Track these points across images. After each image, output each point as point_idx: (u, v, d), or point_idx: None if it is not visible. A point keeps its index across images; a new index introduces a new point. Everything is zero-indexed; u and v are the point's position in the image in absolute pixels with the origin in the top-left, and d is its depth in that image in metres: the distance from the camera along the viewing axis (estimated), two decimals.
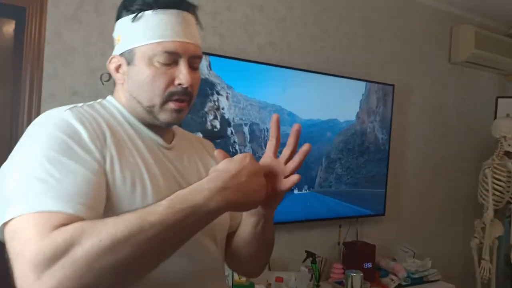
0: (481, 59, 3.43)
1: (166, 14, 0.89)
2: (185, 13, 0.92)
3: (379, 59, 3.06)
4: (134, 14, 0.90)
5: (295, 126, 0.90)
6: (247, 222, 0.98)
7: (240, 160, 0.81)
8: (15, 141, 1.91)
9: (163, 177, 0.90)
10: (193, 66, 0.93)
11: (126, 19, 0.91)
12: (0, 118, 1.92)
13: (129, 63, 0.92)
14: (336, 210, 2.75)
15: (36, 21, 1.86)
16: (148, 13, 0.89)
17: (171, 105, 0.91)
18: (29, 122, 1.84)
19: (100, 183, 0.78)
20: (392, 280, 2.66)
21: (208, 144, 1.14)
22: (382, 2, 3.04)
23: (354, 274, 2.38)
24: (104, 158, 0.82)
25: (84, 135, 0.81)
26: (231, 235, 1.05)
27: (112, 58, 0.95)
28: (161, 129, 0.97)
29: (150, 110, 0.92)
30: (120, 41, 0.93)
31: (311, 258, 2.50)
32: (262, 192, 0.83)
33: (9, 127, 1.93)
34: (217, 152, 0.85)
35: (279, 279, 2.32)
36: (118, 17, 0.94)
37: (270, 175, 0.89)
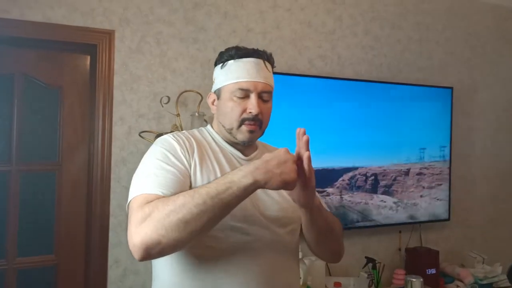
0: None
1: (242, 61, 1.23)
2: (257, 60, 1.24)
3: (436, 62, 3.02)
4: (222, 63, 1.25)
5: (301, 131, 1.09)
6: (302, 212, 1.18)
7: (275, 152, 1.04)
8: (92, 159, 2.19)
9: None
10: (262, 98, 1.24)
11: (218, 67, 1.27)
12: (79, 139, 2.22)
13: (218, 98, 1.27)
14: (396, 216, 2.75)
15: (106, 55, 2.15)
16: (231, 62, 1.24)
17: (244, 127, 1.23)
18: (103, 142, 2.14)
19: (184, 180, 1.12)
20: (457, 286, 2.59)
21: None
22: (437, 4, 3.02)
23: (414, 280, 2.38)
24: (190, 164, 1.17)
25: (178, 148, 1.17)
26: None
27: (210, 94, 1.31)
28: (243, 146, 1.29)
29: (230, 131, 1.25)
30: (214, 82, 1.28)
31: (371, 264, 2.53)
32: (290, 175, 1.01)
33: (87, 147, 2.23)
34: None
35: (337, 284, 2.38)
36: (215, 65, 1.29)
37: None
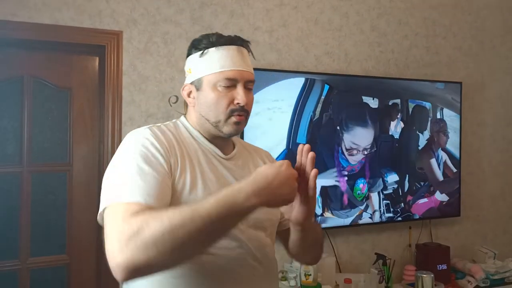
0: None
1: (225, 49, 1.14)
2: (240, 48, 1.17)
3: (444, 57, 3.01)
4: (201, 51, 1.15)
5: (306, 148, 1.05)
6: (293, 230, 1.16)
7: (277, 167, 0.97)
8: (101, 159, 2.21)
9: (217, 183, 1.11)
10: (247, 88, 1.16)
11: (195, 56, 1.16)
12: (90, 140, 2.24)
13: (198, 89, 1.16)
14: (406, 212, 2.75)
15: (114, 56, 2.17)
16: (212, 49, 1.14)
17: (233, 118, 1.14)
18: (113, 143, 2.16)
19: (166, 183, 1.02)
20: (469, 281, 2.58)
21: (264, 152, 1.36)
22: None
23: (425, 276, 2.38)
24: (170, 165, 1.05)
25: (158, 148, 1.05)
26: (287, 232, 1.24)
27: (184, 86, 1.20)
28: (222, 143, 1.20)
29: (216, 125, 1.15)
30: (191, 72, 1.17)
31: (381, 260, 2.52)
32: (291, 195, 0.99)
33: (97, 148, 2.25)
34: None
35: (348, 281, 2.38)
36: (188, 54, 1.19)
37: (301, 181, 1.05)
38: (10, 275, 2.13)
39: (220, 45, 1.14)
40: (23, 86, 2.14)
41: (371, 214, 2.64)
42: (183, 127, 1.19)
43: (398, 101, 2.76)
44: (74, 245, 2.23)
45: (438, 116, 2.86)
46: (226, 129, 1.15)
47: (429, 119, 2.84)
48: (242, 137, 2.31)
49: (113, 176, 1.02)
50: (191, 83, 1.17)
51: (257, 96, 2.35)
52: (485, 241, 3.02)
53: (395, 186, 2.72)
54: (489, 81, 3.15)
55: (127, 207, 0.93)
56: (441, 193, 2.85)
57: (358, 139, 2.64)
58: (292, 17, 2.59)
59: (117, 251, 0.86)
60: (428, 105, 2.84)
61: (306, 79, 2.48)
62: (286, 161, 0.99)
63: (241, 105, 1.13)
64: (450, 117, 2.90)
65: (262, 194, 0.93)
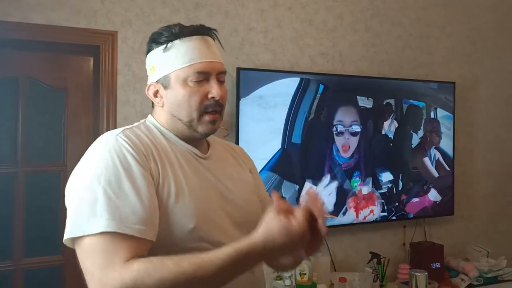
0: None
1: (191, 40, 1.04)
2: (207, 37, 1.08)
3: (438, 58, 3.03)
4: (164, 45, 1.04)
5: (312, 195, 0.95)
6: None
7: (291, 227, 0.87)
8: None
9: (201, 187, 1.03)
10: (220, 80, 1.07)
11: (157, 51, 1.06)
12: (84, 140, 2.24)
13: (165, 87, 1.05)
14: (401, 211, 2.77)
15: (109, 56, 2.17)
16: (176, 42, 1.04)
17: (207, 117, 1.05)
18: None
19: (154, 202, 0.92)
20: (462, 280, 2.60)
21: (238, 148, 1.30)
22: (437, 0, 3.02)
23: (418, 274, 2.39)
24: (151, 173, 0.95)
25: (137, 158, 0.94)
26: None
27: (149, 85, 1.09)
28: (198, 142, 1.11)
29: (189, 124, 1.05)
30: (156, 69, 1.06)
31: (375, 259, 2.54)
32: (299, 251, 0.94)
33: None
34: (273, 194, 0.94)
35: (342, 280, 2.39)
36: (149, 50, 1.09)
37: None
38: (3, 276, 2.12)
39: (184, 36, 1.04)
40: (17, 86, 2.14)
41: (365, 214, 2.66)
42: (155, 129, 1.07)
43: (392, 101, 2.78)
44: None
45: (432, 116, 2.89)
46: (201, 128, 1.06)
47: (423, 118, 2.86)
48: (236, 139, 2.31)
49: (84, 193, 0.90)
50: (157, 82, 1.06)
51: (252, 96, 2.36)
52: (478, 240, 3.04)
53: (389, 185, 2.74)
54: (482, 81, 3.18)
55: (114, 244, 0.84)
56: (435, 192, 2.87)
57: (352, 137, 2.65)
58: (287, 18, 2.60)
59: None
60: (422, 105, 2.86)
61: (301, 79, 2.49)
62: (300, 216, 0.88)
63: (216, 99, 1.04)
64: (444, 117, 2.92)
65: (272, 258, 0.94)
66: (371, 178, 2.69)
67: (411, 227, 2.86)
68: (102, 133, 2.10)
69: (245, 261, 0.87)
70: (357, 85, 2.69)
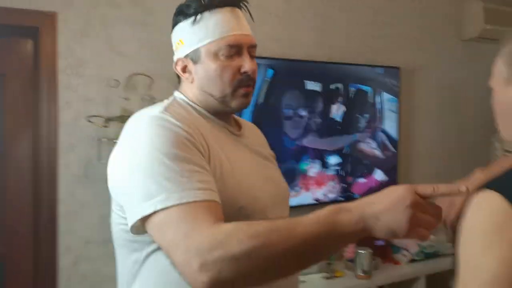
0: (493, 34, 3.39)
1: (222, 12, 1.00)
2: (237, 9, 1.04)
3: (384, 43, 3.11)
4: (193, 18, 1.00)
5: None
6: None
7: (400, 196, 0.78)
8: (37, 146, 2.13)
9: (244, 165, 1.03)
10: (251, 54, 1.04)
11: (185, 24, 1.02)
12: (24, 127, 2.16)
13: (195, 62, 1.02)
14: (348, 192, 2.86)
15: (49, 38, 2.08)
16: (206, 14, 0.99)
17: (241, 91, 1.02)
18: (48, 128, 2.09)
19: (211, 171, 0.90)
20: (404, 255, 2.74)
21: (255, 127, 1.29)
22: None
23: (363, 251, 2.50)
24: (202, 152, 0.91)
25: (189, 131, 0.91)
26: None
27: (177, 61, 1.05)
28: (228, 119, 1.09)
29: (222, 100, 1.03)
30: (184, 43, 1.03)
31: None
32: (403, 224, 0.77)
33: (31, 134, 2.17)
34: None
35: None
36: (176, 23, 1.04)
37: None
38: None
39: (214, 8, 1.00)
40: None
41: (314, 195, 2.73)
42: (188, 106, 1.04)
43: (340, 85, 2.84)
44: (9, 236, 2.15)
45: (378, 100, 2.98)
46: (235, 103, 1.03)
47: (369, 102, 2.95)
48: None
49: (145, 170, 0.84)
50: (186, 56, 1.03)
51: None
52: None
53: (337, 167, 2.82)
54: (426, 67, 3.30)
55: (202, 209, 0.80)
56: (381, 172, 2.99)
57: (301, 121, 2.70)
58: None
59: (199, 267, 0.73)
60: (368, 89, 2.95)
61: None
62: (409, 188, 0.80)
63: (249, 73, 1.01)
64: (389, 101, 3.02)
65: (375, 223, 0.77)
66: (319, 161, 2.76)
67: None
68: (43, 119, 2.07)
69: (339, 218, 0.77)
70: (306, 69, 2.73)
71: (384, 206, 0.77)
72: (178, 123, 0.91)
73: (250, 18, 1.13)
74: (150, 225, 0.83)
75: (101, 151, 2.10)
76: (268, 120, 2.58)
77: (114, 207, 1.01)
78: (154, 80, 2.22)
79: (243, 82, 1.02)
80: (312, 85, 2.75)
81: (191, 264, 0.74)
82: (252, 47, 1.04)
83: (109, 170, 0.98)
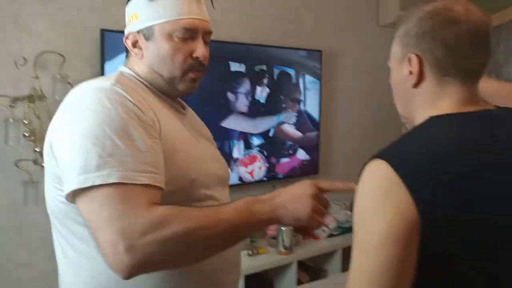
0: None
1: None
2: None
3: (307, 27, 3.19)
4: None
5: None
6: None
7: (305, 189, 0.96)
8: None
9: (192, 142, 1.04)
10: (205, 40, 1.04)
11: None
12: None
13: (148, 39, 1.00)
14: (271, 172, 2.94)
15: None
16: None
17: (191, 75, 1.02)
18: None
19: (160, 151, 0.89)
20: (323, 231, 2.89)
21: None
22: None
23: (284, 228, 2.61)
24: (154, 127, 0.90)
25: (140, 107, 0.89)
26: None
27: (128, 34, 1.03)
28: (174, 98, 1.09)
29: (170, 81, 1.02)
30: (138, 18, 1.00)
31: None
32: (306, 212, 0.94)
33: None
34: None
35: None
36: None
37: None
38: None
39: None
40: None
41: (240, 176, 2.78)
42: (138, 81, 1.02)
43: (264, 67, 2.89)
44: None
45: (301, 82, 3.07)
46: (182, 86, 1.03)
47: (293, 84, 3.03)
48: None
49: (88, 144, 0.81)
50: (138, 31, 1.01)
51: (118, 60, 2.28)
52: (339, 196, 3.37)
53: (261, 148, 2.89)
54: (346, 51, 3.43)
55: (141, 192, 0.79)
56: (303, 152, 3.10)
57: (225, 103, 2.72)
58: None
59: (126, 248, 0.74)
60: (291, 71, 3.02)
61: None
62: (310, 183, 0.98)
63: (200, 59, 1.01)
64: (311, 83, 3.12)
65: (279, 206, 0.92)
66: (243, 142, 2.80)
67: (281, 186, 3.05)
68: None
69: (256, 208, 0.89)
70: (230, 51, 2.74)
71: (291, 196, 0.93)
72: (129, 97, 0.89)
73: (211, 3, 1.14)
74: (83, 199, 0.80)
75: (8, 132, 1.99)
76: (192, 101, 2.56)
77: (51, 182, 0.94)
78: (67, 58, 2.12)
79: (194, 67, 1.02)
80: (237, 67, 2.77)
81: (117, 245, 0.74)
82: (207, 33, 1.05)
83: (48, 140, 0.92)
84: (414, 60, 0.84)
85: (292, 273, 2.69)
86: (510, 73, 3.50)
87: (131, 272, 0.76)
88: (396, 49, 0.90)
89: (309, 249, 2.78)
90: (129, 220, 0.75)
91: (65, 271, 0.98)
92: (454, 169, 0.72)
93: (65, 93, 1.95)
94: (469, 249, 0.72)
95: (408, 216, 0.70)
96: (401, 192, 0.70)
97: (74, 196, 0.82)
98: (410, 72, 0.85)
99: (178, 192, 0.94)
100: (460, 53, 0.80)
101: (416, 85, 0.85)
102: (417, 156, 0.73)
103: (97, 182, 0.78)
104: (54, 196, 0.94)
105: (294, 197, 0.93)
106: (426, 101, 0.85)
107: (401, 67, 0.88)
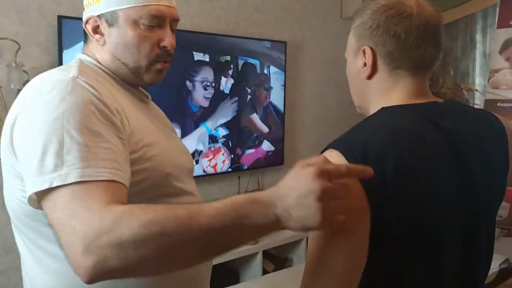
0: None
1: None
2: None
3: (272, 17, 3.19)
4: None
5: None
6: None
7: (309, 189, 0.67)
8: None
9: (160, 134, 0.99)
10: (172, 29, 0.99)
11: None
12: None
13: (111, 24, 0.93)
14: (236, 163, 2.94)
15: None
16: None
17: (158, 65, 0.97)
18: None
19: (125, 146, 0.82)
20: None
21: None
22: None
23: None
24: (120, 121, 0.84)
25: (103, 101, 0.83)
26: None
27: (89, 19, 0.95)
28: (136, 87, 1.03)
29: (136, 71, 0.96)
30: (100, 2, 0.93)
31: None
32: (315, 219, 0.66)
33: None
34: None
35: None
36: None
37: None
38: None
39: None
40: None
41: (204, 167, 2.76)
42: (99, 70, 0.95)
43: (228, 57, 2.86)
44: None
45: (265, 73, 3.07)
46: (148, 77, 0.98)
47: (257, 75, 3.02)
48: None
49: (46, 141, 0.75)
50: (100, 16, 0.93)
51: (77, 47, 2.20)
52: None
53: (225, 139, 2.87)
54: (310, 43, 3.46)
55: (89, 190, 0.72)
56: (268, 143, 3.11)
57: (188, 94, 2.69)
58: None
59: (82, 250, 0.66)
60: (256, 62, 3.02)
61: None
62: (318, 169, 0.68)
63: (168, 49, 0.96)
64: (276, 74, 3.13)
65: (285, 216, 0.68)
66: (208, 133, 2.78)
67: (246, 177, 3.07)
68: None
69: (250, 210, 0.68)
70: (193, 41, 2.70)
71: (294, 201, 0.67)
72: (93, 90, 0.83)
73: None
74: (45, 201, 0.75)
75: None
76: (155, 91, 2.52)
77: (12, 182, 0.87)
78: (22, 46, 2.03)
79: (161, 57, 0.96)
80: (201, 57, 2.73)
81: (75, 246, 0.68)
82: (174, 21, 0.99)
83: (6, 136, 0.85)
84: (368, 52, 0.86)
85: (257, 263, 2.71)
86: (467, 67, 3.63)
87: (90, 275, 0.68)
88: (351, 41, 0.91)
89: (274, 238, 2.80)
90: (86, 221, 0.69)
91: (36, 275, 0.92)
92: (399, 156, 0.75)
93: (20, 81, 1.87)
94: (415, 235, 0.76)
95: (360, 202, 0.72)
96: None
97: (35, 201, 0.77)
98: (364, 64, 0.87)
99: (152, 188, 0.90)
100: (411, 47, 0.83)
101: (369, 76, 0.88)
102: (365, 144, 0.76)
103: (55, 184, 0.73)
104: (17, 197, 0.87)
105: (299, 200, 0.67)
106: (379, 93, 0.88)
107: (356, 59, 0.90)
